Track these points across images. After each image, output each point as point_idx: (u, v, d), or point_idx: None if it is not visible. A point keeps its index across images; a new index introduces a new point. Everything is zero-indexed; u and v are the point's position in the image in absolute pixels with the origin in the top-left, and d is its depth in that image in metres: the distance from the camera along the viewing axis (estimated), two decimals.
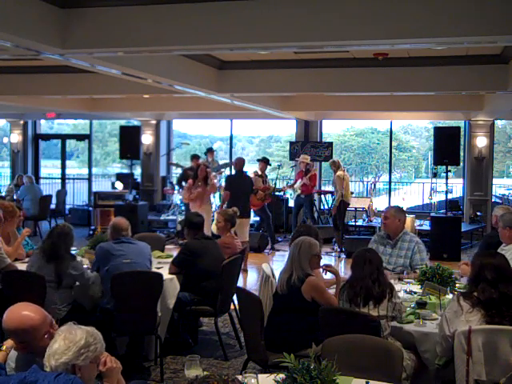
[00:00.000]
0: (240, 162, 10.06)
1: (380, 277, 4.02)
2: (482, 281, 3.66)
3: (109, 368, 2.61)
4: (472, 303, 3.60)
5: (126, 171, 16.28)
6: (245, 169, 10.25)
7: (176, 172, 15.48)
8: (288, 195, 13.26)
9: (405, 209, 6.96)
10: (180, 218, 11.81)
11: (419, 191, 18.29)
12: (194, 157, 12.33)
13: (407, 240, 5.42)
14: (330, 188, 12.57)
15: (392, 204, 14.16)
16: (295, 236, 4.93)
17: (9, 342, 2.89)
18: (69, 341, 2.47)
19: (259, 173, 11.45)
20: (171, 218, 12.94)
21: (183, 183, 11.60)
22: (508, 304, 3.57)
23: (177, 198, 13.19)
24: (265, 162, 11.67)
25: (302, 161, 12.04)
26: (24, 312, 2.80)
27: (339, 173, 11.10)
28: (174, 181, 13.89)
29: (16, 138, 16.30)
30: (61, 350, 2.44)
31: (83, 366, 2.47)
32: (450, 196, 12.65)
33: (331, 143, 13.59)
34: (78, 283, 5.02)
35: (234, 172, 10.44)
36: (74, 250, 6.03)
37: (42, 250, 5.00)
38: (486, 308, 3.57)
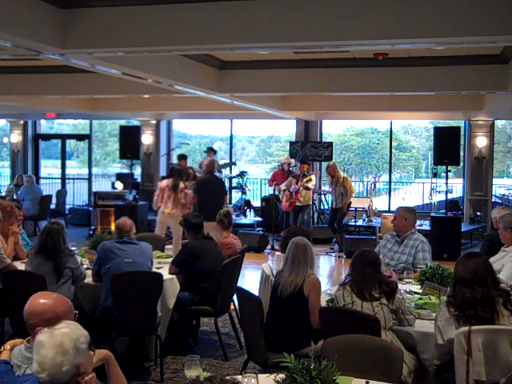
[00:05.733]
0: (210, 164, 10.01)
1: (383, 277, 4.09)
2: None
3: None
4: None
5: (126, 171, 16.27)
6: (246, 169, 10.19)
7: None
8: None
9: None
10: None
11: (419, 191, 18.29)
12: (182, 157, 12.14)
13: (413, 239, 5.54)
14: (328, 188, 12.55)
15: (392, 204, 14.25)
16: (289, 236, 4.95)
17: (10, 342, 2.89)
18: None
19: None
20: None
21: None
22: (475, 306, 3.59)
23: None
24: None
25: (285, 161, 12.31)
26: (54, 297, 2.85)
27: (344, 174, 11.32)
28: None
29: (16, 137, 16.31)
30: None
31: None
32: (450, 196, 12.65)
33: (331, 143, 13.59)
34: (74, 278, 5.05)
35: (204, 174, 10.12)
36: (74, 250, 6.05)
37: (41, 248, 5.00)
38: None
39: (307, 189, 11.27)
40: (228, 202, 13.97)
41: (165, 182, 9.21)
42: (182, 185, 9.10)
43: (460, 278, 3.67)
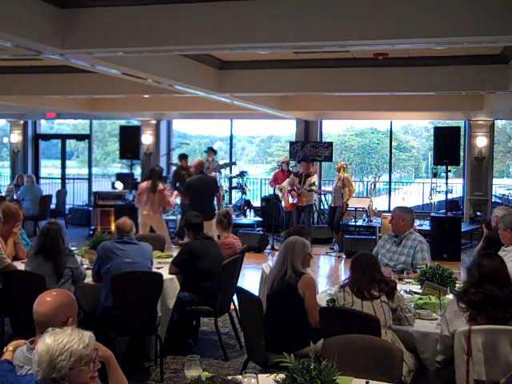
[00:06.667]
0: (197, 164, 9.96)
1: (382, 277, 4.10)
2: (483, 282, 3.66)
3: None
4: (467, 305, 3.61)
5: (126, 171, 16.26)
6: (246, 169, 10.18)
7: None
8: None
9: None
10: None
11: (419, 191, 18.29)
12: (183, 157, 12.31)
13: (411, 239, 5.52)
14: (329, 188, 12.58)
15: (392, 204, 14.24)
16: (287, 236, 4.97)
17: (13, 344, 2.90)
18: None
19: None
20: (171, 217, 12.93)
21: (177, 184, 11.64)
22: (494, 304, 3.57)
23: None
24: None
25: (284, 161, 12.50)
26: (58, 292, 2.97)
27: (347, 174, 11.43)
28: None
29: (16, 137, 16.31)
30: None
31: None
32: (450, 196, 12.64)
33: (331, 143, 13.60)
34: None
35: (193, 175, 10.12)
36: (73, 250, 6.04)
37: (40, 249, 4.99)
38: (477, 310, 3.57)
39: (311, 191, 11.34)
40: (228, 201, 13.98)
41: (144, 184, 9.19)
42: (161, 186, 9.08)
43: (488, 276, 3.62)
